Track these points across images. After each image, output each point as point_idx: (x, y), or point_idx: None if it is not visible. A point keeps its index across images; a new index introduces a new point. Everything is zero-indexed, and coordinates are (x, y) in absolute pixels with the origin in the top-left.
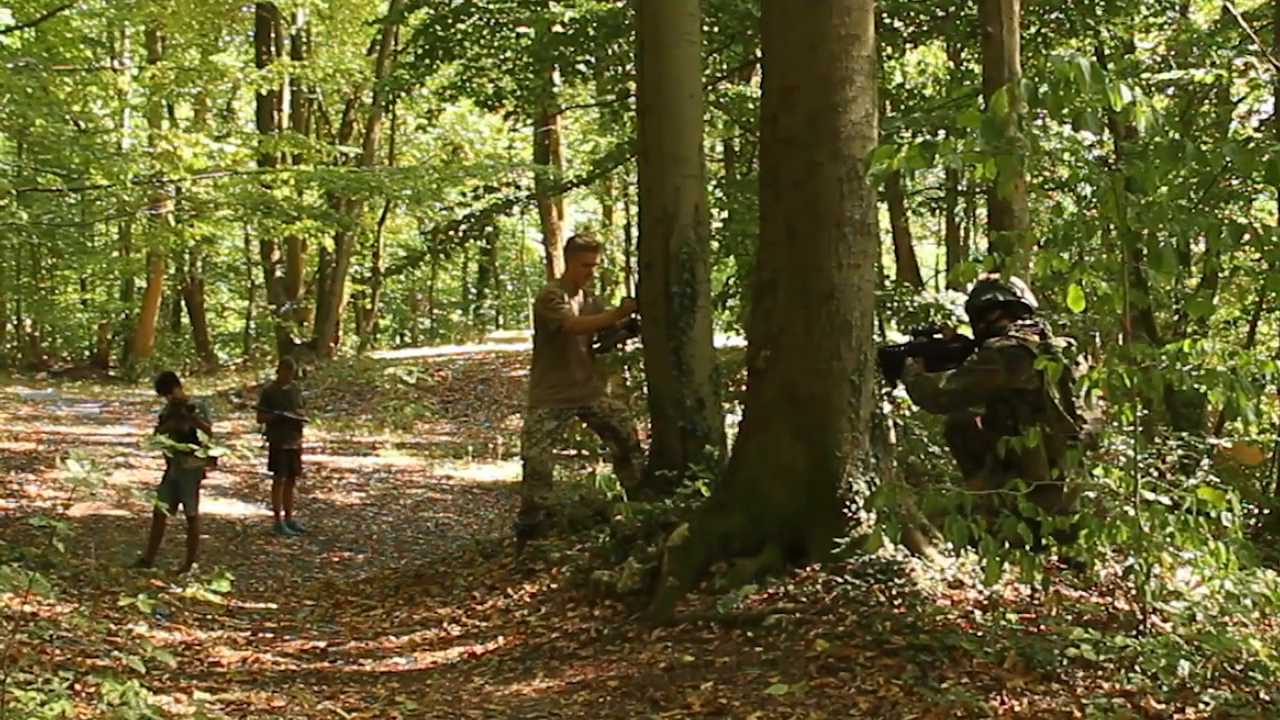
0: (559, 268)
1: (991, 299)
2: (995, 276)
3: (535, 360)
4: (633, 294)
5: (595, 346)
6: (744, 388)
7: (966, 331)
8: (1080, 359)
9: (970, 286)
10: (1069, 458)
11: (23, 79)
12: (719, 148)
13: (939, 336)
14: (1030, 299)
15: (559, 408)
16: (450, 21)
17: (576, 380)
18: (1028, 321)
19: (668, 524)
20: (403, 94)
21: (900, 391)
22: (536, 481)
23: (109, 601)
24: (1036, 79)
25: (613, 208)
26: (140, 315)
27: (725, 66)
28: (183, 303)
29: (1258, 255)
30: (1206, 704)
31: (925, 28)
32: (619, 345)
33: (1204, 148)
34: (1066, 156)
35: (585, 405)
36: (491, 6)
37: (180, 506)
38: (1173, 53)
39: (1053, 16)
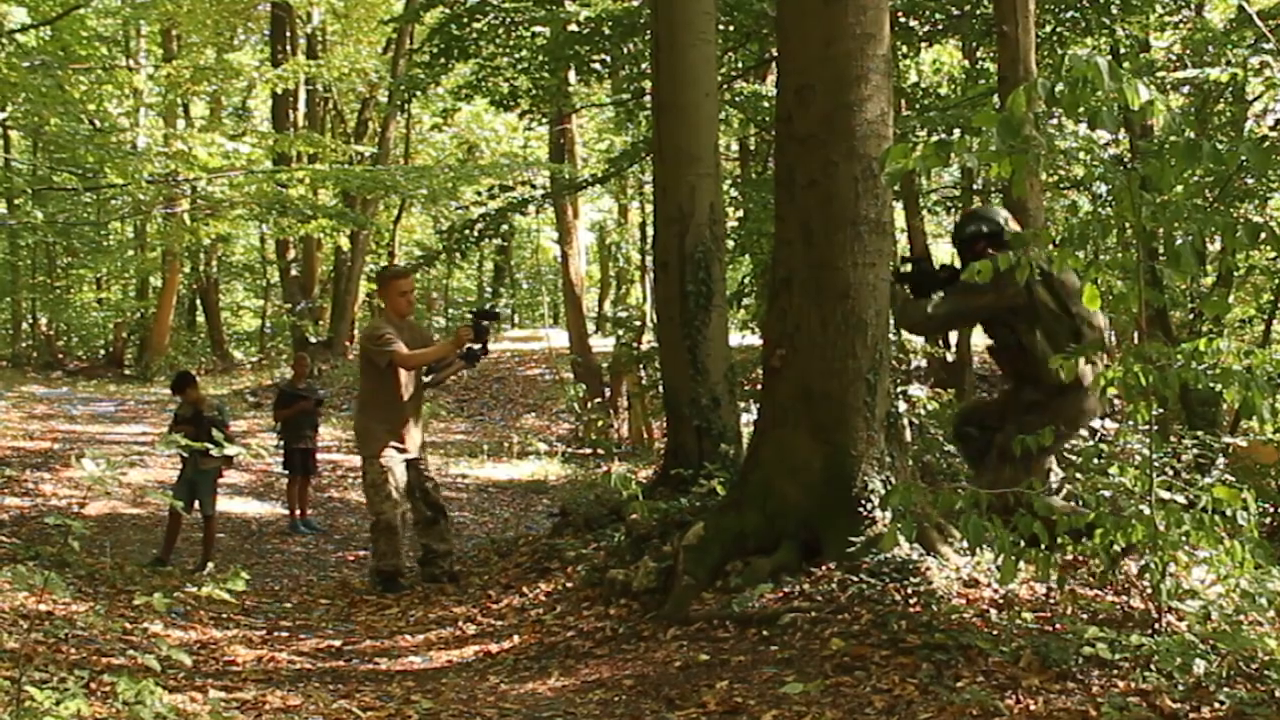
0: (574, 267)
1: (976, 230)
2: (978, 208)
3: (364, 402)
4: (647, 297)
5: (428, 379)
6: (759, 386)
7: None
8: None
9: (958, 221)
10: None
11: (38, 78)
12: (734, 146)
13: (927, 266)
14: (1015, 227)
15: (398, 453)
16: (465, 20)
17: (409, 422)
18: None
19: (683, 523)
20: (418, 93)
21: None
22: (391, 536)
23: (124, 600)
24: (1052, 78)
25: (628, 206)
26: (155, 314)
27: (740, 65)
28: (198, 301)
29: (1273, 254)
30: (1222, 702)
31: (941, 26)
32: (455, 377)
33: (1219, 147)
34: (1082, 155)
35: (412, 455)
36: (507, 5)
37: (196, 505)
38: (1188, 51)
39: (1068, 15)
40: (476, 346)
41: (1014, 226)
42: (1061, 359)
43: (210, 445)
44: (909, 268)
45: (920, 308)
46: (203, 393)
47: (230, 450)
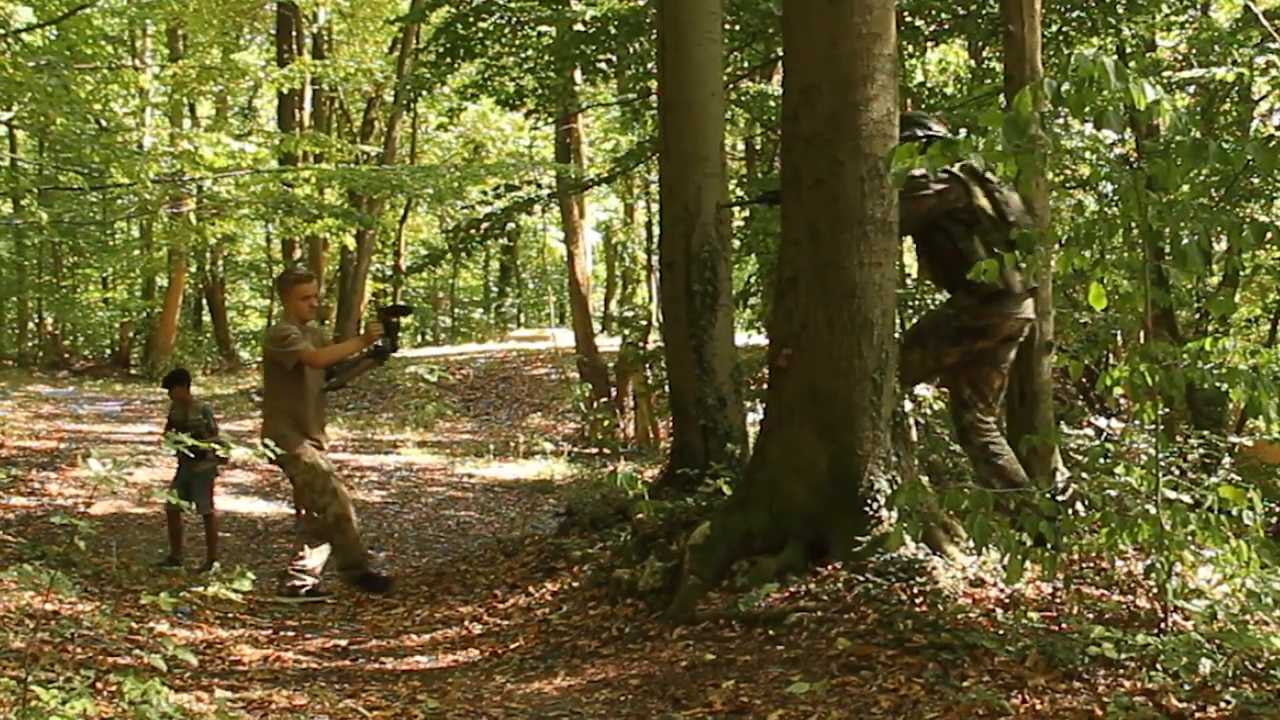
0: (580, 266)
1: (910, 135)
2: (907, 114)
3: (271, 405)
4: (653, 297)
5: (330, 381)
6: (765, 386)
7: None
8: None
9: None
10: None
11: (44, 77)
12: (740, 146)
13: None
14: (944, 131)
15: (313, 443)
16: (471, 20)
17: (316, 422)
18: None
19: (689, 522)
20: (424, 93)
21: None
22: (346, 529)
23: (130, 600)
24: (1058, 77)
25: (634, 206)
26: (161, 314)
27: (746, 65)
28: (204, 301)
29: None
30: (1228, 702)
31: (946, 26)
32: (360, 375)
33: (1225, 146)
34: (1088, 155)
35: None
36: (513, 5)
37: (194, 507)
38: (1194, 51)
39: (1074, 15)
40: (385, 343)
41: (943, 131)
42: (989, 264)
43: (214, 446)
44: None
45: None
46: (193, 395)
47: (235, 452)
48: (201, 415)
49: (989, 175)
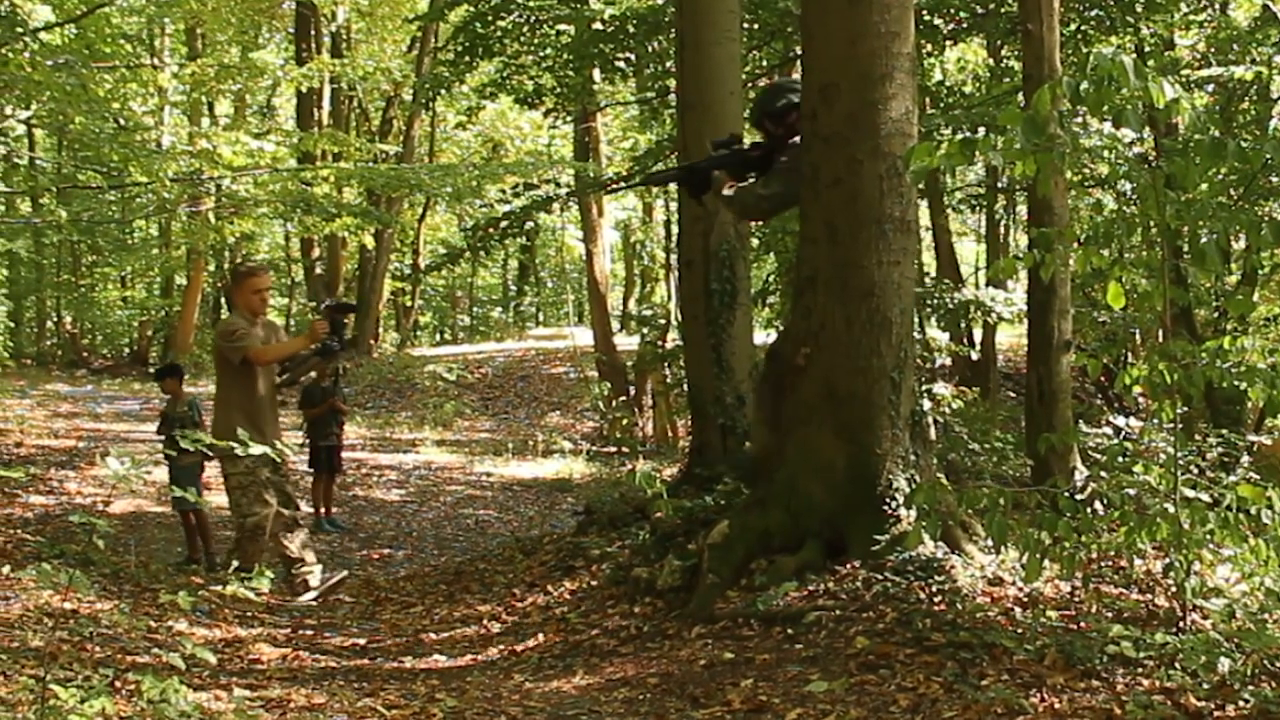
0: (599, 265)
1: (788, 102)
2: (781, 80)
3: (222, 401)
4: (672, 295)
5: (282, 378)
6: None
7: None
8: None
9: (759, 95)
10: None
11: (63, 76)
12: None
13: (739, 147)
14: None
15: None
16: (490, 19)
17: (268, 419)
18: None
19: (708, 521)
20: (442, 91)
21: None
22: (259, 537)
23: (149, 598)
24: (1077, 76)
25: (653, 204)
26: (180, 312)
27: (765, 63)
28: (223, 299)
29: None
30: (1246, 701)
31: (965, 25)
32: (311, 373)
33: (1244, 145)
34: (1106, 154)
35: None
36: (531, 4)
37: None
38: (1212, 50)
39: (1093, 14)
40: (332, 341)
41: None
42: None
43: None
44: (723, 151)
45: (752, 191)
46: (183, 389)
47: (255, 450)
48: (187, 408)
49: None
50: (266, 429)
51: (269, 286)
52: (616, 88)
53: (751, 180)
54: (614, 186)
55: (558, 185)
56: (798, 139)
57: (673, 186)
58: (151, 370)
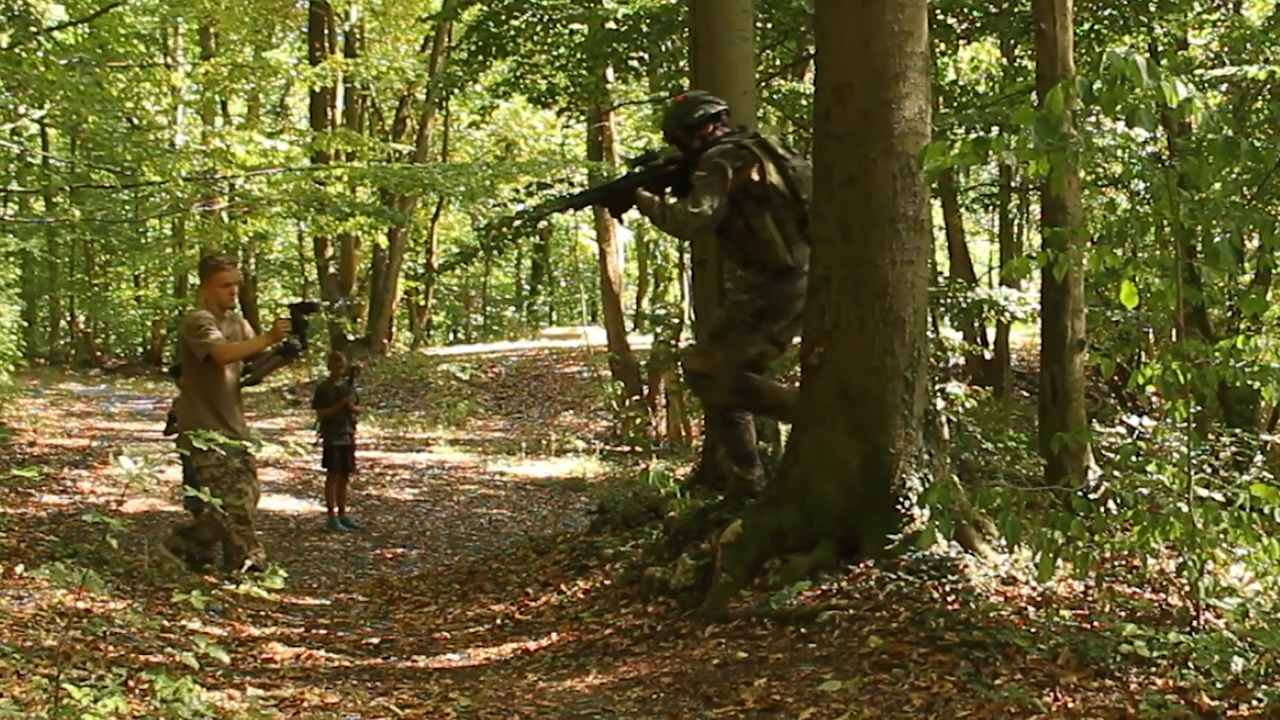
0: (612, 264)
1: (704, 114)
2: (693, 93)
3: (190, 393)
4: (686, 295)
5: (245, 378)
6: (797, 384)
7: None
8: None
9: (672, 110)
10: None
11: (76, 75)
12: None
13: (656, 163)
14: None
15: (230, 434)
16: (503, 18)
17: (235, 411)
18: (735, 127)
19: (721, 520)
20: (456, 90)
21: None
22: (244, 524)
23: (162, 598)
24: (1090, 76)
25: None
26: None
27: (778, 63)
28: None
29: None
30: (1260, 700)
31: (978, 24)
32: (273, 371)
33: (1257, 144)
34: (1120, 153)
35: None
36: (544, 3)
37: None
38: (1226, 49)
39: (1106, 13)
40: (295, 340)
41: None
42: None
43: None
44: (639, 169)
45: (681, 208)
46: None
47: (268, 450)
48: None
49: (784, 151)
50: (232, 421)
51: (237, 280)
52: (630, 87)
53: (678, 199)
54: (529, 216)
55: (571, 184)
56: (711, 151)
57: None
58: (165, 369)
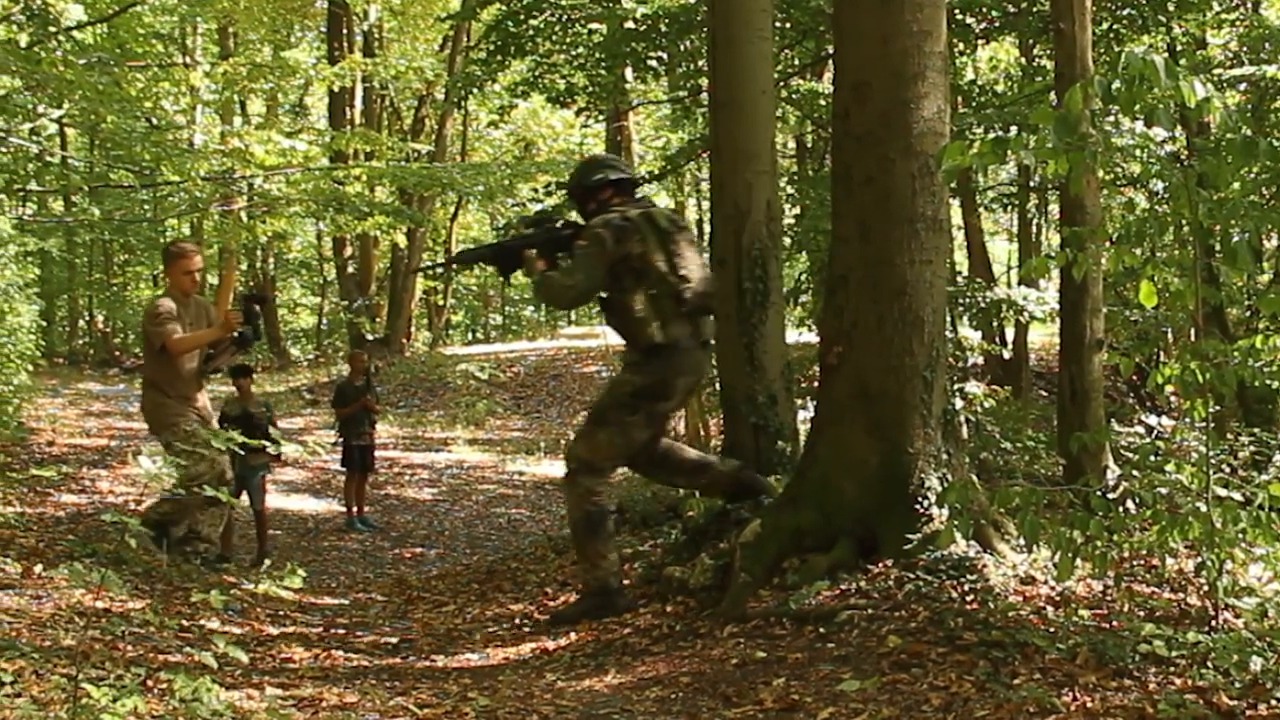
0: None
1: (603, 178)
2: (598, 155)
3: (152, 380)
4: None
5: (203, 367)
6: (816, 383)
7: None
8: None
9: (577, 167)
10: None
11: (95, 75)
12: (791, 144)
13: (550, 225)
14: (632, 173)
15: (196, 412)
16: (522, 17)
17: (198, 397)
18: (637, 197)
19: (740, 520)
20: (474, 90)
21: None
22: (191, 510)
23: (181, 597)
24: (1109, 75)
25: (684, 203)
26: None
27: (797, 62)
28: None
29: None
30: (1279, 699)
31: (997, 24)
32: (231, 359)
33: (1276, 144)
34: (1138, 153)
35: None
36: (563, 2)
37: (247, 500)
38: (1245, 49)
39: (1125, 13)
40: (247, 330)
41: (632, 173)
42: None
43: (266, 443)
44: (532, 231)
45: (558, 279)
46: (252, 389)
47: (287, 449)
48: (264, 408)
49: (669, 226)
50: (198, 404)
51: (201, 267)
52: (648, 86)
53: (557, 268)
54: (424, 267)
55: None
56: (595, 221)
57: (704, 184)
58: None
